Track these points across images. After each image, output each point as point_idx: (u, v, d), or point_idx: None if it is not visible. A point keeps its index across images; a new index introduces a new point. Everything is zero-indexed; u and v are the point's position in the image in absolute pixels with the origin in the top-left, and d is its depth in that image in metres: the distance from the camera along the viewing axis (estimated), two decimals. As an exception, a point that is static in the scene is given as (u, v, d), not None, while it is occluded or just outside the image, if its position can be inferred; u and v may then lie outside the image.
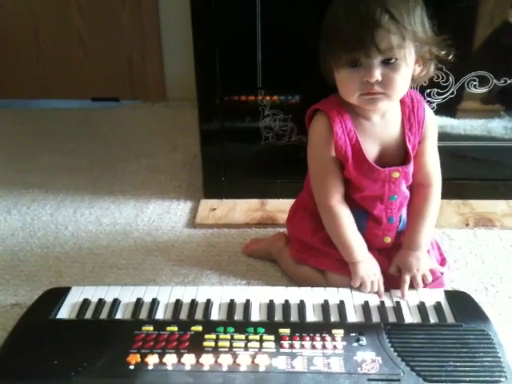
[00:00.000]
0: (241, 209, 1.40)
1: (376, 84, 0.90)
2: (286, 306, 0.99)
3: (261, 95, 1.36)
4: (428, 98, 1.30)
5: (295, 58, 1.31)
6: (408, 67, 0.91)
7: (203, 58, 1.32)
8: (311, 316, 0.98)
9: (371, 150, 0.99)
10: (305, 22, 1.29)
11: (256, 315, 0.98)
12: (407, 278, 1.03)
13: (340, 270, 1.07)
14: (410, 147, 1.00)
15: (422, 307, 0.99)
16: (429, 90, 1.29)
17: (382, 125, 0.99)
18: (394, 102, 0.97)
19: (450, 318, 0.96)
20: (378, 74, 0.89)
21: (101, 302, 1.02)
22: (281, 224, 1.34)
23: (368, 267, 1.04)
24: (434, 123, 1.03)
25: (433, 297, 1.02)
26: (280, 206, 1.40)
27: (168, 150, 1.77)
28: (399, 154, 1.01)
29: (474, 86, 1.29)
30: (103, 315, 0.99)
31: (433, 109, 1.29)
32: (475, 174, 1.41)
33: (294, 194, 1.43)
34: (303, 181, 1.36)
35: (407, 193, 1.05)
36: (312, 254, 1.11)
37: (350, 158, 0.98)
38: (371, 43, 0.86)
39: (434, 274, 1.05)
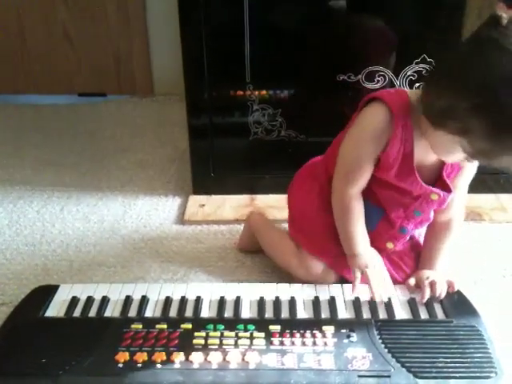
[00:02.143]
0: (230, 205, 1.40)
1: None
2: (277, 302, 0.99)
3: (249, 90, 1.35)
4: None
5: (284, 53, 1.31)
6: None
7: (191, 53, 1.31)
8: (302, 313, 0.97)
9: (417, 164, 0.94)
10: (293, 16, 1.28)
11: (246, 312, 0.98)
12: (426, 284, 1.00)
13: (330, 264, 1.05)
14: (445, 176, 0.96)
15: (412, 303, 0.99)
16: (418, 84, 1.29)
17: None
18: None
19: (440, 314, 0.97)
20: None
21: (89, 300, 1.01)
22: (270, 220, 1.33)
23: (368, 258, 1.00)
24: (470, 175, 1.00)
25: (423, 292, 1.02)
26: (269, 202, 1.40)
27: (156, 145, 1.75)
28: (432, 179, 0.97)
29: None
30: (92, 313, 0.98)
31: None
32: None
33: (284, 190, 1.43)
34: (292, 176, 1.37)
35: (431, 217, 1.01)
36: (307, 234, 1.07)
37: (396, 166, 0.93)
38: None
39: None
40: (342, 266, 1.04)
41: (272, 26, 1.29)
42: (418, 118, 0.88)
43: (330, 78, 1.32)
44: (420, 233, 1.08)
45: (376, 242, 1.04)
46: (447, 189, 0.97)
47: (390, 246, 1.05)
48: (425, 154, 0.93)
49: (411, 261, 1.07)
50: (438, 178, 0.97)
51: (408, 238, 1.05)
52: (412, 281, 1.03)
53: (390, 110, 0.89)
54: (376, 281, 1.00)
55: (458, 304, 0.99)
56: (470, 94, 0.75)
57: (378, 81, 1.30)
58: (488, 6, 1.25)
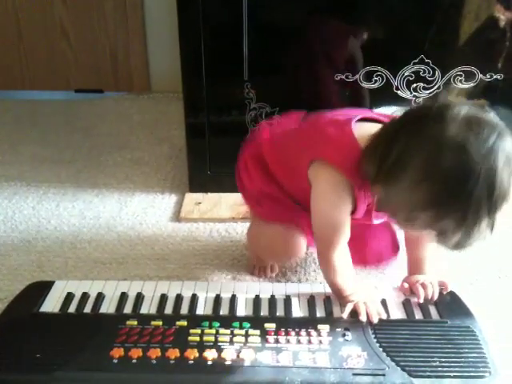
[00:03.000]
0: (226, 203, 1.39)
1: None
2: (272, 300, 0.99)
3: (247, 88, 1.35)
4: (414, 93, 1.30)
5: (282, 51, 1.31)
6: None
7: (189, 51, 1.30)
8: (297, 311, 0.97)
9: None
10: (292, 14, 1.28)
11: (242, 310, 0.98)
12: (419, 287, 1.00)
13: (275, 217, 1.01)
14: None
15: (407, 303, 0.99)
16: (415, 85, 1.29)
17: None
18: None
19: (435, 315, 0.97)
20: None
21: (85, 296, 1.01)
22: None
23: (360, 294, 0.97)
24: None
25: (418, 292, 1.02)
26: (266, 201, 1.40)
27: (153, 142, 1.75)
28: None
29: (460, 80, 1.29)
30: (87, 309, 0.98)
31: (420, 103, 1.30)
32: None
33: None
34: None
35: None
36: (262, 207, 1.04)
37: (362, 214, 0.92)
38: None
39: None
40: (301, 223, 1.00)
41: (270, 24, 1.29)
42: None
43: (328, 78, 1.32)
44: None
45: None
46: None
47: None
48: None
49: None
50: None
51: None
52: (405, 285, 1.02)
53: (351, 182, 0.87)
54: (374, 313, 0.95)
55: (452, 305, 0.99)
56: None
57: (376, 81, 1.31)
58: (486, 7, 1.26)
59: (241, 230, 1.30)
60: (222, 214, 1.35)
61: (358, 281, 1.00)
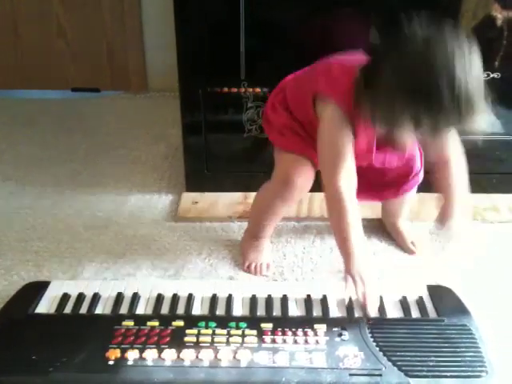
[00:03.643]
0: (223, 202, 1.39)
1: None
2: (269, 300, 0.99)
3: (244, 87, 1.35)
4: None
5: (279, 50, 1.30)
6: None
7: (186, 49, 1.30)
8: (294, 311, 0.97)
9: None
10: (289, 13, 1.27)
11: (238, 310, 0.97)
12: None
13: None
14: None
15: (404, 302, 0.99)
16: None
17: None
18: None
19: (432, 313, 0.97)
20: None
21: (81, 297, 1.01)
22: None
23: (362, 263, 0.95)
24: None
25: (415, 291, 1.02)
26: (263, 200, 1.39)
27: (149, 141, 1.74)
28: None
29: (458, 79, 1.29)
30: (83, 310, 0.98)
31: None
32: (457, 167, 1.41)
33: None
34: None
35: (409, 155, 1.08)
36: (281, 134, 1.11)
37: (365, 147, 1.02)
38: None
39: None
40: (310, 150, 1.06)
41: (267, 23, 1.28)
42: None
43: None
44: None
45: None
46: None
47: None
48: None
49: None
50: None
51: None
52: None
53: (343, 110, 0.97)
54: (372, 299, 0.95)
55: (449, 303, 1.00)
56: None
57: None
58: (484, 5, 1.25)
59: (238, 229, 1.30)
60: (219, 213, 1.35)
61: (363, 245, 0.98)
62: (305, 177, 1.07)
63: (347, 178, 0.97)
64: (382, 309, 0.97)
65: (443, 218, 1.07)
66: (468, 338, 0.90)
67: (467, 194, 1.06)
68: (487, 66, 1.27)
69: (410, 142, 0.93)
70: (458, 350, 0.88)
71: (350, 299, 0.98)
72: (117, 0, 2.00)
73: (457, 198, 1.06)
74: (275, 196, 1.12)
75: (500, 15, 1.27)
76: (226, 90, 1.36)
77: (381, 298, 0.99)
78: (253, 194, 1.42)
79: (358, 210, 0.98)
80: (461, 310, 0.98)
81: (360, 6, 1.28)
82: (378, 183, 1.13)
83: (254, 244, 1.19)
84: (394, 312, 0.97)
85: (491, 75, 1.30)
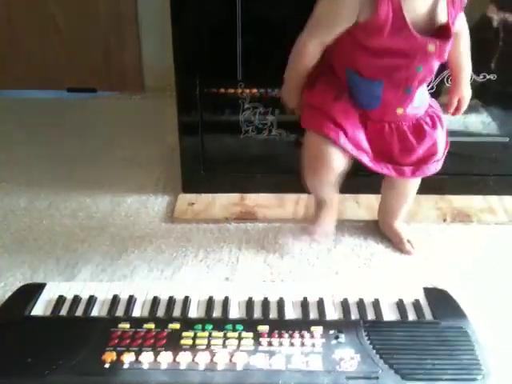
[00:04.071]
0: (220, 203, 1.39)
1: None
2: (265, 302, 0.99)
3: (241, 88, 1.34)
4: (408, 94, 1.30)
5: (276, 52, 1.29)
6: None
7: (182, 50, 1.29)
8: (290, 313, 0.97)
9: (409, 18, 0.94)
10: (286, 14, 1.27)
11: (235, 312, 0.97)
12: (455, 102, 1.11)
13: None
14: (450, 22, 0.97)
15: (400, 304, 0.99)
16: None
17: None
18: None
19: (428, 315, 0.97)
20: None
21: (76, 299, 1.00)
22: (260, 219, 1.33)
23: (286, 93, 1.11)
24: None
25: (411, 294, 1.02)
26: (259, 201, 1.39)
27: (146, 142, 1.73)
28: (433, 29, 0.98)
29: (454, 81, 1.29)
30: (79, 312, 0.98)
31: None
32: (453, 169, 1.40)
33: (274, 189, 1.43)
34: (282, 176, 1.37)
35: (434, 69, 1.03)
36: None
37: (389, 25, 0.94)
38: None
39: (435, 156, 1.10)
40: (352, 142, 1.05)
41: (265, 24, 1.28)
42: None
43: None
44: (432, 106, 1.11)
45: (386, 113, 1.05)
46: (446, 35, 0.97)
47: (399, 111, 1.05)
48: (417, 4, 0.94)
49: (431, 120, 1.08)
50: (438, 28, 0.97)
51: (417, 101, 1.05)
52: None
53: None
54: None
55: (445, 305, 1.00)
56: None
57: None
58: (479, 7, 1.25)
59: (234, 230, 1.30)
60: (216, 215, 1.35)
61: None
62: (335, 160, 1.06)
63: (321, 41, 1.01)
64: (378, 311, 0.97)
65: (454, 91, 1.11)
66: (464, 340, 0.91)
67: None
68: (483, 67, 1.29)
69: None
70: (455, 352, 0.88)
71: None
72: (113, 0, 1.99)
73: (467, 68, 1.10)
74: (316, 170, 1.11)
75: (496, 16, 1.28)
76: (222, 90, 1.36)
77: (377, 300, 1.00)
78: (249, 195, 1.43)
79: (315, 60, 1.03)
80: (457, 312, 0.98)
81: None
82: (401, 156, 1.09)
83: (317, 213, 1.22)
84: (390, 314, 0.97)
85: (487, 77, 1.30)
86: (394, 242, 1.25)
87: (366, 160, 1.08)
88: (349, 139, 1.04)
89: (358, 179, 1.40)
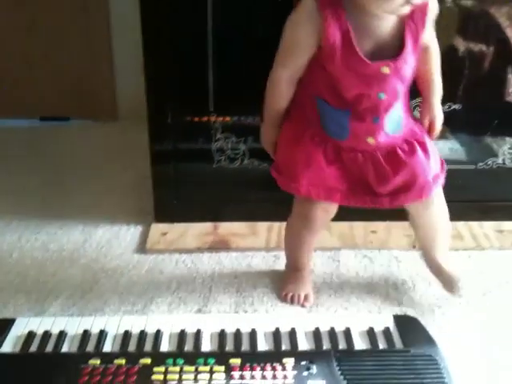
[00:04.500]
0: (192, 233, 1.39)
1: None
2: (238, 334, 0.99)
3: (212, 118, 1.36)
4: (376, 123, 1.33)
5: (247, 83, 1.32)
6: None
7: (154, 78, 1.31)
8: (263, 344, 0.97)
9: (363, 45, 0.94)
10: (258, 45, 1.29)
11: (207, 345, 0.97)
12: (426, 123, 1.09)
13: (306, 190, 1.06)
14: (408, 38, 0.95)
15: (371, 332, 1.00)
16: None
17: (380, 18, 0.94)
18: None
19: (398, 344, 0.98)
20: None
21: (46, 335, 0.99)
22: (233, 248, 1.33)
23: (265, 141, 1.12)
24: (435, 9, 0.99)
25: (382, 321, 1.03)
26: (232, 230, 1.40)
27: (119, 171, 1.73)
28: (392, 50, 0.96)
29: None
30: (49, 348, 0.97)
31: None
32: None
33: (247, 217, 1.44)
34: (255, 204, 1.37)
35: (399, 92, 0.99)
36: (282, 167, 1.10)
37: (340, 48, 0.93)
38: None
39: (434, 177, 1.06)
40: (320, 188, 1.06)
41: (236, 55, 1.30)
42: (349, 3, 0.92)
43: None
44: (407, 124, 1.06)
45: (357, 143, 1.03)
46: (400, 53, 0.95)
47: (370, 140, 1.02)
48: (369, 30, 0.94)
49: (408, 147, 1.04)
50: (398, 48, 0.96)
51: (389, 126, 1.02)
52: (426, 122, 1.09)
53: (316, 2, 0.93)
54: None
55: (415, 333, 1.01)
56: None
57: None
58: (445, 37, 1.29)
59: (207, 260, 1.30)
60: (188, 245, 1.35)
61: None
62: (324, 209, 1.09)
63: (291, 72, 1.01)
64: (349, 340, 0.98)
65: (424, 112, 1.10)
66: (433, 368, 0.92)
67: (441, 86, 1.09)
68: (449, 97, 1.32)
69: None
70: (424, 381, 0.89)
71: None
72: (85, 26, 1.99)
73: (437, 86, 1.08)
74: (299, 230, 1.14)
75: (462, 47, 1.32)
76: (195, 119, 1.37)
77: (348, 329, 1.01)
78: (223, 224, 1.43)
79: (289, 95, 1.04)
80: (426, 340, 0.99)
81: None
82: (378, 185, 1.06)
83: (292, 275, 1.20)
84: (361, 343, 0.98)
85: (452, 106, 1.34)
86: (437, 278, 1.20)
87: (338, 200, 1.08)
88: (315, 185, 1.05)
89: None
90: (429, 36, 1.01)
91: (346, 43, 0.93)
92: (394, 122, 1.03)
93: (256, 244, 1.36)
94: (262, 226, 1.41)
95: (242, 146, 1.39)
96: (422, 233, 1.18)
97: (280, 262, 1.29)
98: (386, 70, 0.94)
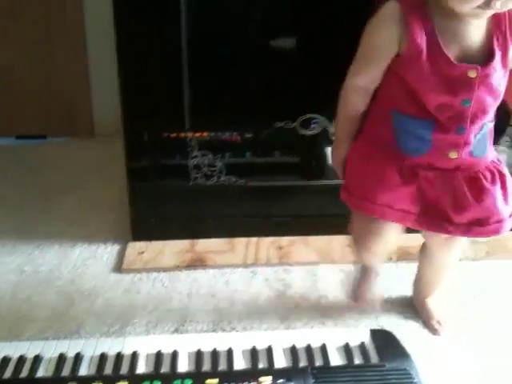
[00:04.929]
0: (170, 251, 1.39)
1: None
2: (214, 354, 0.98)
3: (189, 135, 1.36)
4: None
5: (223, 100, 1.33)
6: None
7: (130, 96, 1.31)
8: (240, 363, 0.97)
9: (449, 48, 0.89)
10: (232, 67, 1.30)
11: (184, 365, 0.96)
12: None
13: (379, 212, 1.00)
14: (496, 49, 0.90)
15: (346, 348, 1.00)
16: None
17: (465, 23, 0.89)
18: None
19: (374, 358, 0.98)
20: None
21: (21, 359, 0.97)
22: (210, 265, 1.33)
23: (336, 158, 1.05)
24: None
25: (358, 336, 1.04)
26: (210, 247, 1.40)
27: (96, 188, 1.72)
28: (483, 61, 0.90)
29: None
30: (24, 373, 0.95)
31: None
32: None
33: (225, 233, 1.44)
34: (232, 220, 1.37)
35: (487, 106, 0.93)
36: (354, 188, 1.03)
37: (425, 51, 0.89)
38: None
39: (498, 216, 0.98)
40: (394, 210, 0.99)
41: (212, 73, 1.31)
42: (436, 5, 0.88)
43: (268, 125, 1.35)
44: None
45: (438, 159, 0.96)
46: (490, 60, 0.90)
47: (453, 155, 0.95)
48: (456, 34, 0.90)
49: (491, 176, 0.97)
50: (487, 56, 0.90)
51: (476, 144, 0.95)
52: None
53: (400, 5, 0.89)
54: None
55: (390, 347, 1.01)
56: None
57: (314, 128, 1.34)
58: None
59: (185, 278, 1.30)
60: (166, 263, 1.35)
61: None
62: (393, 227, 1.04)
63: (366, 82, 0.96)
64: (325, 356, 0.98)
65: None
66: (408, 382, 0.92)
67: None
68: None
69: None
70: (399, 395, 0.90)
71: None
72: (62, 45, 1.98)
73: None
74: (366, 243, 1.11)
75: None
76: (172, 136, 1.37)
77: (324, 345, 1.01)
78: (200, 241, 1.43)
79: (362, 107, 0.99)
80: (401, 353, 1.00)
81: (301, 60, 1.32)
82: (454, 212, 0.98)
83: (363, 276, 1.18)
84: (337, 359, 0.98)
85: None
86: (422, 318, 1.20)
87: (411, 223, 1.02)
88: (389, 206, 0.99)
89: (305, 220, 1.43)
90: None
91: (431, 46, 0.89)
92: (481, 143, 0.97)
93: (234, 260, 1.36)
94: (240, 241, 1.42)
95: (219, 163, 1.39)
96: (430, 272, 1.17)
97: (258, 278, 1.29)
98: (472, 73, 0.89)
